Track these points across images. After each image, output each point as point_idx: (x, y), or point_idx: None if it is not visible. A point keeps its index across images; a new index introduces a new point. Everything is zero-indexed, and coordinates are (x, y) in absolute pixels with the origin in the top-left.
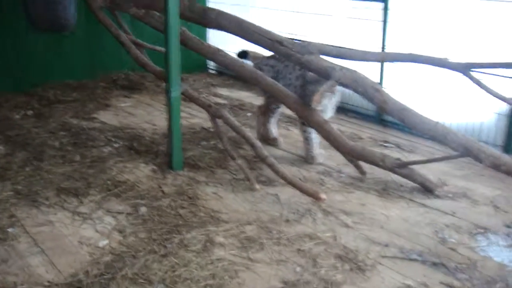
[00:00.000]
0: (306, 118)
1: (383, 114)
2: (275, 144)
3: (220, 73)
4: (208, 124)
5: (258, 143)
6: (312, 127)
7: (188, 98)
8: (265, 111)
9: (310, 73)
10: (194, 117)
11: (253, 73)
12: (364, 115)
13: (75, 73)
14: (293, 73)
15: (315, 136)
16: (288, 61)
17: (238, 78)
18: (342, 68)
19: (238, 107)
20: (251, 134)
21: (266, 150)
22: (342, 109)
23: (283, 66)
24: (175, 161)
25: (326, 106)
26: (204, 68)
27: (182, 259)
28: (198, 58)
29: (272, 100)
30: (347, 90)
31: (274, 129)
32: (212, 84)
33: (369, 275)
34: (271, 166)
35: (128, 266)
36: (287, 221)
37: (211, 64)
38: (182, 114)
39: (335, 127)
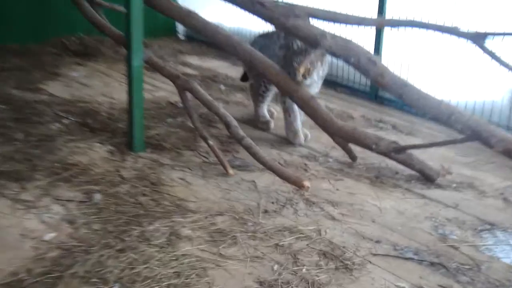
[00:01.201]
0: (289, 93)
1: (379, 90)
2: (265, 128)
3: (190, 39)
4: (175, 98)
5: (234, 122)
6: (296, 103)
7: (152, 67)
8: (255, 93)
9: (297, 42)
10: (159, 90)
11: (228, 39)
12: (357, 91)
13: (17, 36)
14: (277, 42)
15: (296, 109)
16: (273, 26)
17: (212, 45)
18: (334, 36)
19: (211, 79)
20: (225, 110)
21: (242, 130)
22: (331, 83)
23: (270, 41)
24: (136, 141)
25: (313, 80)
26: (171, 33)
27: (142, 255)
28: (165, 20)
29: (259, 83)
30: (337, 61)
31: (264, 111)
32: (181, 51)
33: (357, 275)
34: (248, 149)
35: (79, 263)
36: (265, 212)
37: (180, 28)
38: (145, 86)
39: (322, 104)
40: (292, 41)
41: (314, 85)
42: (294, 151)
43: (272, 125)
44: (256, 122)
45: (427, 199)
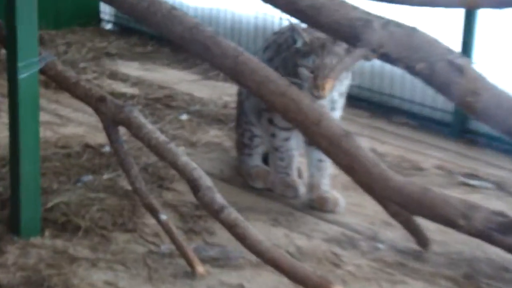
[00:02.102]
0: (305, 126)
1: (469, 120)
2: (290, 195)
3: (124, 31)
4: (97, 138)
5: (205, 180)
6: (316, 143)
7: (56, 82)
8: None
9: (303, 35)
10: (68, 124)
11: (195, 30)
12: (429, 121)
13: None
14: (269, 38)
15: (292, 145)
16: (274, 8)
17: (164, 41)
18: (387, 23)
19: (163, 103)
20: (189, 159)
21: (221, 195)
22: (381, 108)
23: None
24: (24, 218)
25: (331, 99)
26: (92, 20)
27: None
28: (83, 1)
29: (240, 120)
30: (393, 69)
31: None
32: (109, 53)
33: None
34: (231, 228)
35: None
36: None
37: (107, 12)
38: (44, 117)
39: (365, 144)
40: (295, 34)
41: (336, 107)
42: (315, 230)
43: (300, 190)
44: (245, 178)
45: None
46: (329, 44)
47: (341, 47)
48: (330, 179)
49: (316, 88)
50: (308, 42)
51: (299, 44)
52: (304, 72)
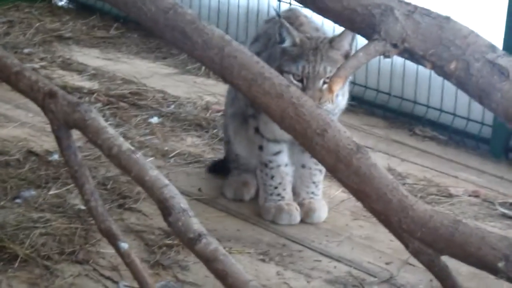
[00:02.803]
0: (306, 139)
1: None
2: (283, 222)
3: (81, 7)
4: (44, 142)
5: (178, 200)
6: (318, 158)
7: None
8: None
9: (294, 26)
10: (7, 124)
11: (162, 6)
12: (462, 136)
13: None
14: (260, 27)
15: (286, 161)
16: None
17: (131, 22)
18: (412, 10)
19: (128, 101)
20: (160, 173)
21: (198, 219)
22: (400, 118)
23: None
24: None
25: (339, 103)
26: None
27: None
28: None
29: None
30: (417, 68)
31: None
32: (62, 36)
33: None
34: (209, 262)
35: None
36: None
37: None
38: None
39: (380, 163)
40: (283, 30)
41: (335, 113)
42: (316, 268)
43: (295, 216)
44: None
45: None
46: (323, 47)
47: (339, 52)
48: (318, 187)
49: (320, 90)
50: (298, 43)
51: (287, 43)
52: (291, 80)
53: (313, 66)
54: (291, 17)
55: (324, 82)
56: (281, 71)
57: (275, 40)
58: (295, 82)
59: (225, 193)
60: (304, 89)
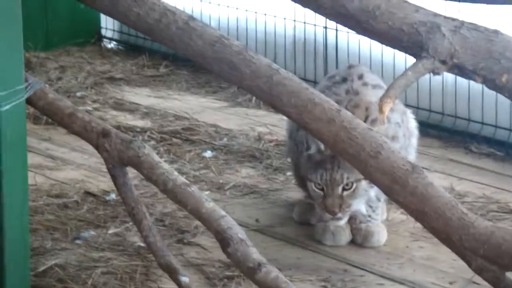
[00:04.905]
0: (354, 156)
1: None
2: (327, 243)
3: (131, 49)
4: (100, 182)
5: (237, 231)
6: (374, 181)
7: (47, 115)
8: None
9: None
10: (63, 167)
11: (209, 40)
12: None
13: None
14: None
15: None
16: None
17: (181, 61)
18: (459, 26)
19: (182, 137)
20: (217, 206)
21: (258, 250)
22: (455, 136)
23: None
24: (10, 286)
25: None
26: (93, 38)
27: None
28: (80, 16)
29: (293, 159)
30: (469, 84)
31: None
32: (113, 77)
33: None
34: None
35: None
36: None
37: (110, 28)
38: (34, 159)
39: (438, 181)
40: (308, 138)
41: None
42: None
43: (340, 238)
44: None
45: None
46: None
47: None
48: (375, 212)
49: (326, 211)
50: (323, 150)
51: (312, 150)
52: (313, 189)
53: (330, 174)
54: (352, 73)
55: (344, 189)
56: (307, 179)
57: (302, 148)
58: (316, 190)
59: (294, 216)
60: (324, 196)
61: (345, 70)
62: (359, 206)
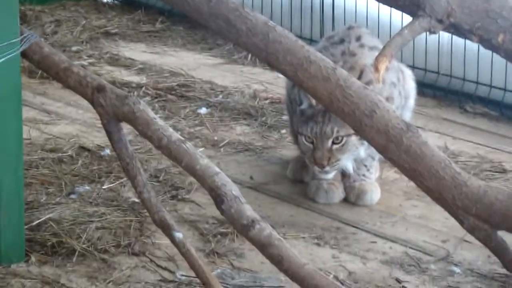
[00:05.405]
0: (356, 122)
1: None
2: (320, 200)
3: (127, 4)
4: (95, 137)
5: (230, 187)
6: (368, 139)
7: (42, 69)
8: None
9: None
10: (58, 121)
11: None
12: None
13: None
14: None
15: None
16: None
17: (176, 15)
18: None
19: (177, 93)
20: (211, 162)
21: (251, 206)
22: (448, 94)
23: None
24: (5, 240)
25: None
26: None
27: None
28: None
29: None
30: (464, 43)
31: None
32: (108, 32)
33: None
34: (266, 248)
35: None
36: None
37: None
38: (28, 113)
39: (432, 140)
40: (301, 94)
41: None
42: (371, 249)
43: (333, 196)
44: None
45: None
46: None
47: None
48: (369, 170)
49: (315, 164)
50: (314, 105)
51: (304, 105)
52: (304, 142)
53: (321, 127)
54: (350, 34)
55: (333, 143)
56: (297, 132)
57: (295, 103)
58: (306, 143)
59: (288, 174)
60: (314, 149)
61: (344, 31)
62: (347, 162)
